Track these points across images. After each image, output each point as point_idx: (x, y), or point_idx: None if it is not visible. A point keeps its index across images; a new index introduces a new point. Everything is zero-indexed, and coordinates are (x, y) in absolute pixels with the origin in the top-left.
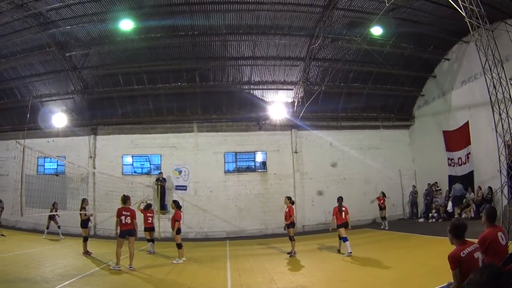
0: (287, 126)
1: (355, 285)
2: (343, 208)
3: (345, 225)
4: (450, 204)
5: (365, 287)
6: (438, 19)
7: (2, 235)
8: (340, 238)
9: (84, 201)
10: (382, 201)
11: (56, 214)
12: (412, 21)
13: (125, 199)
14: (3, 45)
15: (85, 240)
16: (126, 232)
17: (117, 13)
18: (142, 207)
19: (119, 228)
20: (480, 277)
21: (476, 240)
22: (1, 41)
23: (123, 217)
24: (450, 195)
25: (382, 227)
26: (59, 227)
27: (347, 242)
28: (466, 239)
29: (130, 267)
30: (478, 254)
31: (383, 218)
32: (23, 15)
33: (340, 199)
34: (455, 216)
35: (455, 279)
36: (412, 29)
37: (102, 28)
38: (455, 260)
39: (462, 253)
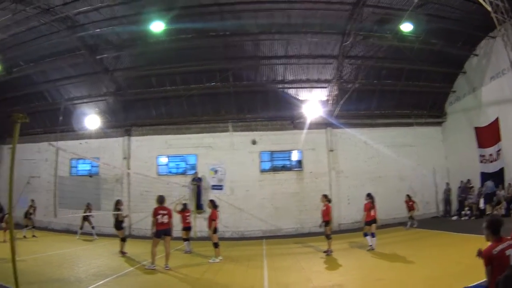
0: (322, 125)
1: (391, 283)
2: (372, 205)
3: (374, 221)
4: (482, 201)
5: (400, 286)
6: (465, 15)
7: (34, 236)
8: (366, 235)
9: (118, 202)
10: (411, 203)
11: (90, 215)
12: (440, 16)
13: (161, 199)
14: (31, 50)
15: (123, 240)
16: (162, 232)
17: (147, 15)
18: (178, 209)
19: (154, 227)
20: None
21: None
22: (29, 46)
23: (159, 216)
24: (482, 192)
25: (406, 226)
26: (93, 227)
27: (374, 238)
28: (502, 236)
29: (166, 267)
30: (510, 252)
31: (410, 217)
32: (50, 19)
33: (371, 196)
34: (487, 213)
35: (487, 275)
36: (441, 25)
37: (133, 30)
38: (487, 257)
39: (494, 250)
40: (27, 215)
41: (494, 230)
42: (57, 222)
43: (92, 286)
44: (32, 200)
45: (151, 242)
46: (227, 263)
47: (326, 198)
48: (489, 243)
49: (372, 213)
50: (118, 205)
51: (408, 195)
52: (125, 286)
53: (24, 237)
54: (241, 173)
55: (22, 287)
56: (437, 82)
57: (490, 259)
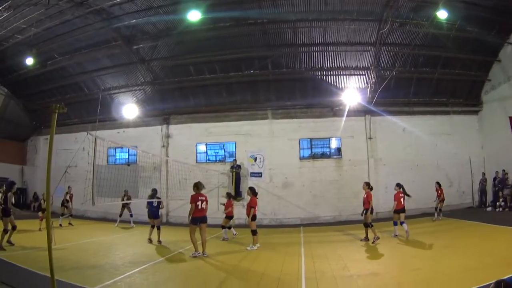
0: (361, 112)
1: (427, 273)
2: (401, 195)
3: (403, 210)
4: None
5: (437, 276)
6: (499, 2)
7: (70, 224)
8: (396, 223)
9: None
10: (439, 192)
11: (128, 202)
12: (474, 4)
13: (200, 186)
14: (66, 42)
15: (154, 227)
16: (199, 219)
17: (184, 4)
18: (222, 202)
19: (191, 215)
20: None
21: None
22: (63, 39)
23: (199, 203)
24: None
25: (434, 218)
26: (131, 215)
27: (405, 225)
28: None
29: (204, 254)
30: None
31: (438, 209)
32: (84, 12)
33: (401, 185)
34: None
35: None
36: (475, 12)
37: (169, 20)
38: None
39: None
40: (63, 203)
41: None
42: (93, 210)
43: (128, 273)
44: (69, 187)
45: (189, 230)
46: (265, 251)
47: (368, 186)
48: None
49: (402, 202)
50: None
51: (438, 183)
52: (161, 273)
53: (60, 225)
54: (280, 160)
55: (58, 275)
56: (473, 70)
57: None
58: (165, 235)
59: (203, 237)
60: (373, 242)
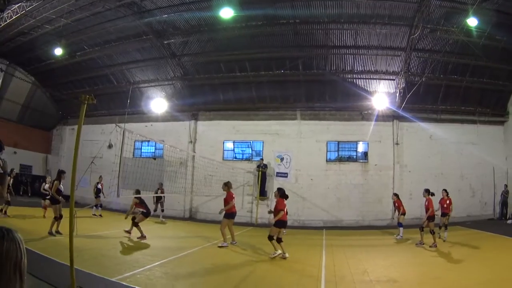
0: (389, 117)
1: (448, 283)
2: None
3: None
4: None
5: (455, 286)
6: None
7: (100, 215)
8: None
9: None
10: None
11: (162, 196)
12: (505, 13)
13: (230, 185)
14: (96, 34)
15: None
16: (233, 215)
17: (216, 1)
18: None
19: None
20: None
21: None
22: (93, 30)
23: (234, 200)
24: None
25: (396, 235)
26: (162, 210)
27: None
28: None
29: (233, 242)
30: None
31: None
32: (115, 5)
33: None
34: None
35: None
36: (506, 21)
37: (201, 16)
38: None
39: None
40: (97, 193)
41: None
42: (116, 202)
43: (148, 266)
44: (100, 177)
45: (222, 224)
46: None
47: (428, 193)
48: None
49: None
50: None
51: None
52: (181, 268)
53: (100, 215)
54: (306, 161)
55: (77, 265)
56: (501, 80)
57: None
58: (187, 230)
59: (232, 229)
60: (430, 246)
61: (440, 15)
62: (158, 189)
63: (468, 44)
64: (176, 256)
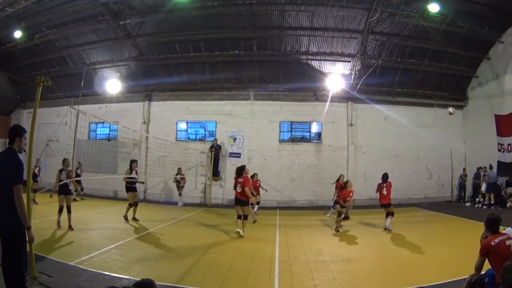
0: (343, 98)
1: (406, 262)
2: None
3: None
4: (484, 186)
5: (416, 266)
6: (494, 0)
7: (82, 198)
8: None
9: (133, 162)
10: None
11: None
12: (468, 0)
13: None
14: (54, 16)
15: (130, 206)
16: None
17: None
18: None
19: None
20: None
21: None
22: (51, 12)
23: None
24: (486, 181)
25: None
26: (82, 189)
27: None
28: (500, 231)
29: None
30: (510, 242)
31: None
32: None
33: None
34: (491, 203)
35: (477, 262)
36: (469, 8)
37: None
38: (484, 248)
39: (492, 242)
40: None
41: (492, 227)
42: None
43: (104, 249)
44: (79, 163)
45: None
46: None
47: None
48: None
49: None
50: (133, 165)
51: (342, 176)
52: (136, 251)
53: (82, 199)
54: (259, 142)
55: (35, 249)
56: (461, 65)
57: (488, 250)
58: (142, 213)
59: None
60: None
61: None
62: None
63: (428, 29)
64: (131, 238)
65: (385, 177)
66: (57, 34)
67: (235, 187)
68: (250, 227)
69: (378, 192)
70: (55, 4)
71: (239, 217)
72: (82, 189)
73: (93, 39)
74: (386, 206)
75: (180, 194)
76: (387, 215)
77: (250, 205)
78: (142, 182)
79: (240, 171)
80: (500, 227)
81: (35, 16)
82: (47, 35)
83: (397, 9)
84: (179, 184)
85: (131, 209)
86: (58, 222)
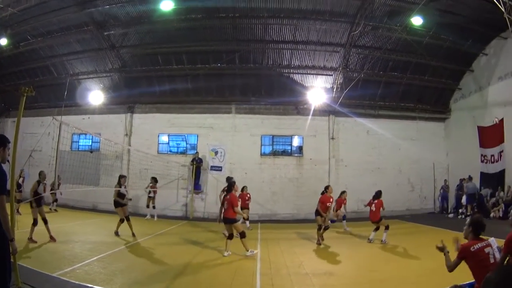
0: (325, 112)
1: (384, 275)
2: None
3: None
4: (464, 198)
5: (394, 279)
6: (477, 13)
7: (55, 210)
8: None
9: (122, 178)
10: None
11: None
12: (452, 13)
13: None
14: (39, 25)
15: (121, 221)
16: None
17: None
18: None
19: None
20: (496, 276)
21: (503, 240)
22: (37, 21)
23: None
24: (464, 192)
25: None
26: (154, 207)
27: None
28: (481, 237)
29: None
30: (489, 250)
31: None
32: None
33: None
34: (469, 214)
35: (452, 263)
36: (452, 21)
37: (142, 8)
38: (463, 251)
39: (472, 247)
40: (52, 189)
41: (477, 230)
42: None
43: (87, 261)
44: (59, 176)
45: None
46: (222, 244)
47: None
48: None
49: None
50: (122, 180)
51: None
52: (119, 263)
53: (56, 210)
54: (241, 155)
55: (20, 261)
56: (444, 78)
57: (465, 255)
58: (124, 226)
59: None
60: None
61: (383, 13)
62: (152, 183)
63: (411, 42)
64: (113, 251)
65: (376, 194)
66: (42, 43)
67: (222, 204)
68: (232, 240)
69: (369, 207)
70: (40, 12)
71: (229, 236)
72: (55, 200)
73: (77, 49)
74: (375, 222)
75: (153, 207)
76: (376, 229)
77: (240, 221)
78: (130, 199)
79: (229, 187)
80: (484, 236)
81: (21, 24)
82: (32, 44)
83: (380, 22)
84: (150, 194)
85: (127, 223)
86: (31, 238)
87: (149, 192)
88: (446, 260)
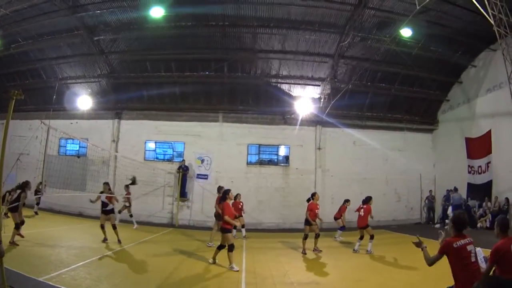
0: (312, 122)
1: (370, 285)
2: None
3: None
4: (450, 209)
5: None
6: (467, 25)
7: (36, 213)
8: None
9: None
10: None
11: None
12: (441, 25)
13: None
14: (30, 27)
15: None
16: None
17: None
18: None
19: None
20: (484, 286)
21: (489, 250)
22: (28, 23)
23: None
24: (449, 204)
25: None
26: (131, 215)
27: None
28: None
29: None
30: (471, 247)
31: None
32: None
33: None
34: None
35: (433, 257)
36: (441, 33)
37: (132, 14)
38: (445, 247)
39: (455, 243)
40: (37, 192)
41: (459, 227)
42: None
43: (73, 266)
44: (45, 181)
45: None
46: (206, 253)
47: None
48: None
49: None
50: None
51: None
52: (104, 269)
53: (36, 213)
54: (227, 164)
55: (7, 264)
56: (432, 89)
57: (447, 250)
58: (108, 232)
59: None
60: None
61: (373, 24)
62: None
63: (400, 53)
64: (98, 257)
65: (365, 199)
66: (32, 46)
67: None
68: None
69: (358, 213)
70: (32, 14)
71: (219, 247)
72: (38, 204)
73: (67, 53)
74: (363, 228)
75: (130, 215)
76: (361, 238)
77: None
78: (120, 212)
79: (224, 195)
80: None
81: (13, 26)
82: (23, 46)
83: (369, 33)
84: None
85: (113, 231)
86: (14, 242)
87: (125, 200)
88: (424, 255)
